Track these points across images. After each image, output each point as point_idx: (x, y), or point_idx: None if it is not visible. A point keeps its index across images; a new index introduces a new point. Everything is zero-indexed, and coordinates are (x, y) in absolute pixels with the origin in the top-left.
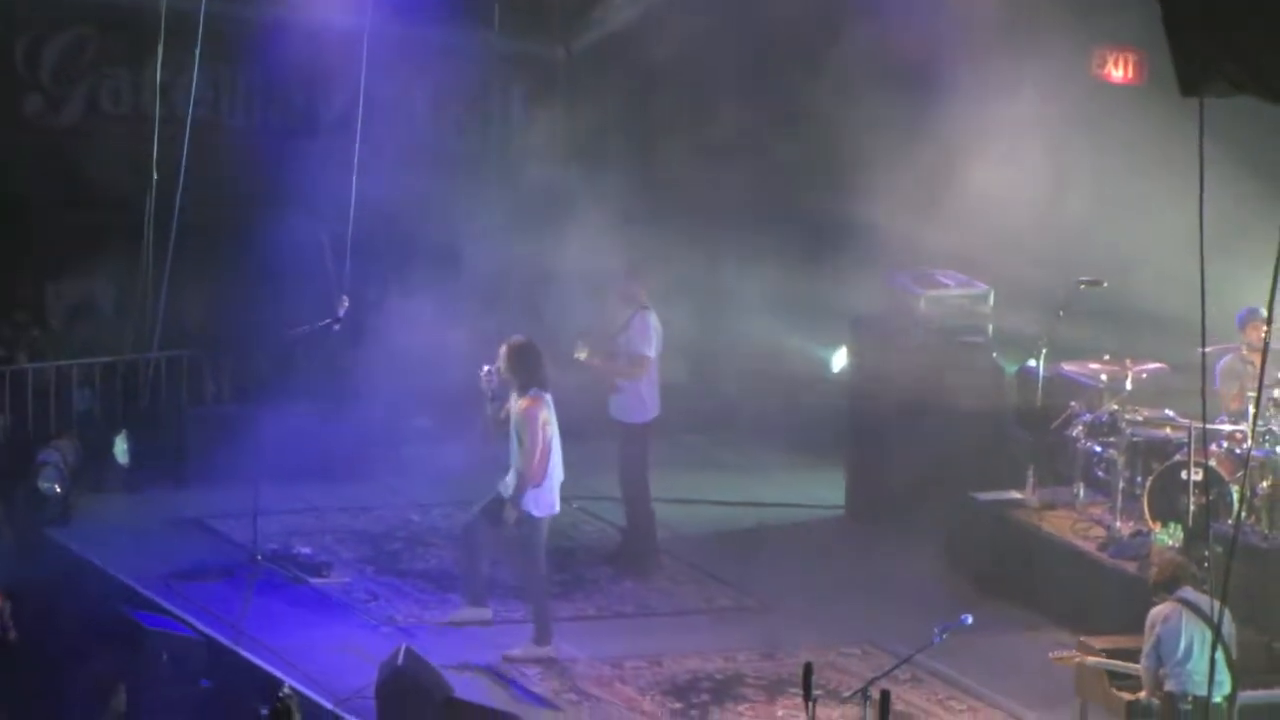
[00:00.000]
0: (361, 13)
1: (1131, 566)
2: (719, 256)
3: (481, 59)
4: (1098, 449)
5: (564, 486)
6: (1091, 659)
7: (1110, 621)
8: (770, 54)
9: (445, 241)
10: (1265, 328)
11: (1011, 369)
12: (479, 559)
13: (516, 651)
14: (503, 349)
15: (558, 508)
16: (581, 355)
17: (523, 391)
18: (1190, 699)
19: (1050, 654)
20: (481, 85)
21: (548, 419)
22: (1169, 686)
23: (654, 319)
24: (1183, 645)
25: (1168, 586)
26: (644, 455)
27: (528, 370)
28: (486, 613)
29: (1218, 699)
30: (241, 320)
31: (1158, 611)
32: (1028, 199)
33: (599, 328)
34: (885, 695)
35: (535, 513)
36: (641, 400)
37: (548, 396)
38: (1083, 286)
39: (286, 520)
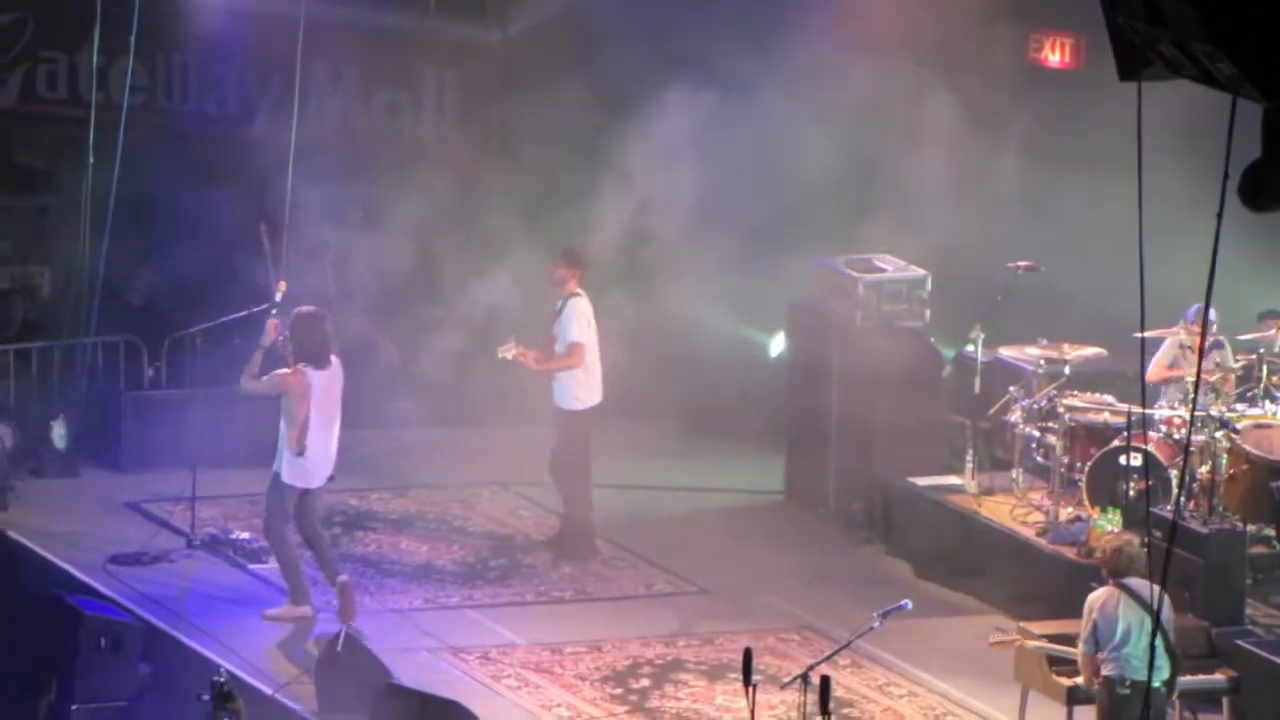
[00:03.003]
0: None
1: (1070, 552)
2: (655, 238)
3: (416, 42)
4: (1036, 434)
5: (504, 472)
6: (1031, 643)
7: (1049, 607)
8: (708, 37)
9: (383, 228)
10: (1205, 314)
11: (949, 354)
12: (313, 552)
13: (274, 611)
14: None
15: (316, 484)
16: (508, 355)
17: (293, 362)
18: (1128, 683)
19: (989, 639)
20: (416, 69)
21: (306, 393)
22: (1106, 671)
23: (585, 305)
24: (1120, 630)
25: (1115, 571)
26: (585, 442)
27: (299, 341)
28: (306, 610)
29: (1156, 684)
30: (178, 305)
31: (1095, 597)
32: (965, 184)
33: (531, 318)
34: (825, 680)
35: (285, 479)
36: (581, 388)
37: (313, 371)
38: (1020, 272)
39: (225, 505)
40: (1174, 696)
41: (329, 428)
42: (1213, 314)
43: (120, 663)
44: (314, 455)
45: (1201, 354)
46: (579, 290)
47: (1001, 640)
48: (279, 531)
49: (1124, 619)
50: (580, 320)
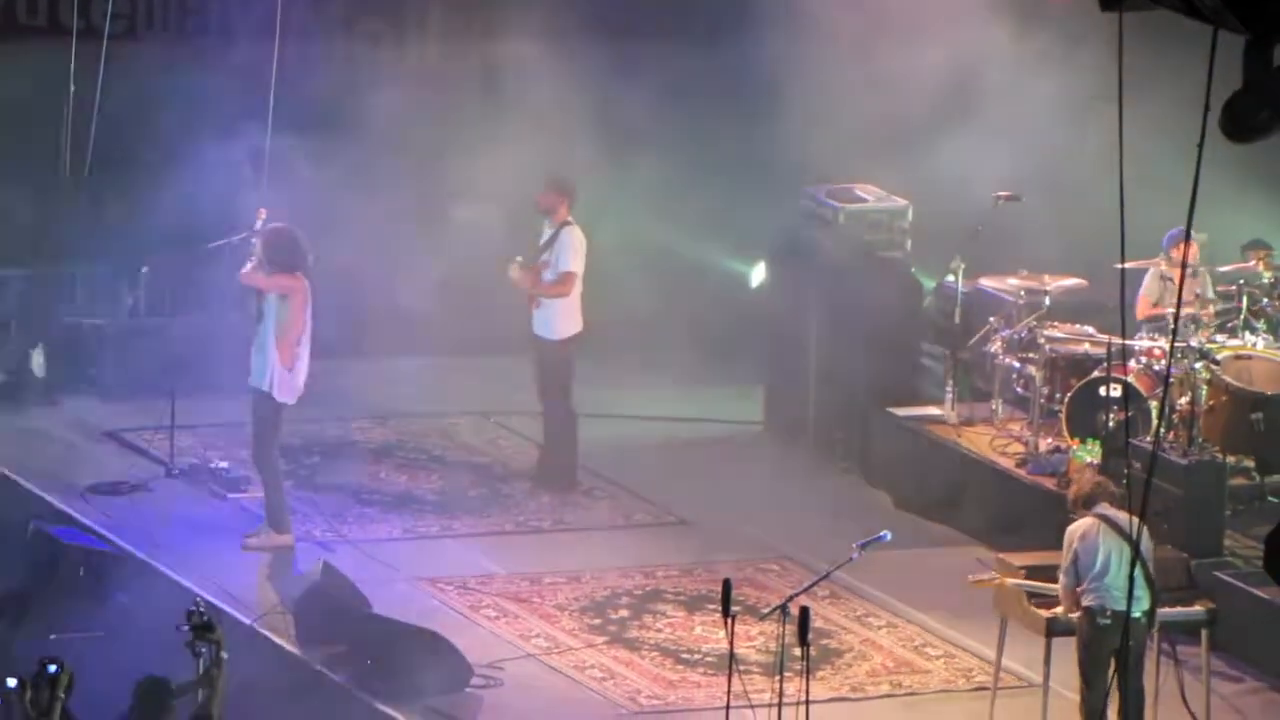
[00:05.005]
0: None
1: (1050, 482)
2: (637, 169)
3: None
4: (1016, 365)
5: (483, 400)
6: (1011, 580)
7: (1028, 537)
8: None
9: (365, 156)
10: (1188, 247)
11: (930, 284)
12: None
13: (254, 540)
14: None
15: (298, 396)
16: (515, 275)
17: (285, 273)
18: (1109, 613)
19: (969, 578)
20: None
21: (306, 301)
22: (1087, 601)
23: (580, 235)
24: (1100, 560)
25: (1086, 503)
26: (569, 371)
27: (286, 255)
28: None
29: (1136, 614)
30: (158, 233)
31: (1075, 528)
32: (947, 114)
33: (523, 245)
34: (804, 611)
35: (277, 396)
36: (565, 316)
37: (307, 284)
38: (1001, 202)
39: (203, 434)
40: (1154, 628)
41: (309, 340)
42: (1197, 237)
43: (99, 592)
44: (302, 368)
45: (1182, 285)
46: (570, 219)
47: (982, 579)
48: (270, 453)
49: (1104, 549)
50: (577, 250)
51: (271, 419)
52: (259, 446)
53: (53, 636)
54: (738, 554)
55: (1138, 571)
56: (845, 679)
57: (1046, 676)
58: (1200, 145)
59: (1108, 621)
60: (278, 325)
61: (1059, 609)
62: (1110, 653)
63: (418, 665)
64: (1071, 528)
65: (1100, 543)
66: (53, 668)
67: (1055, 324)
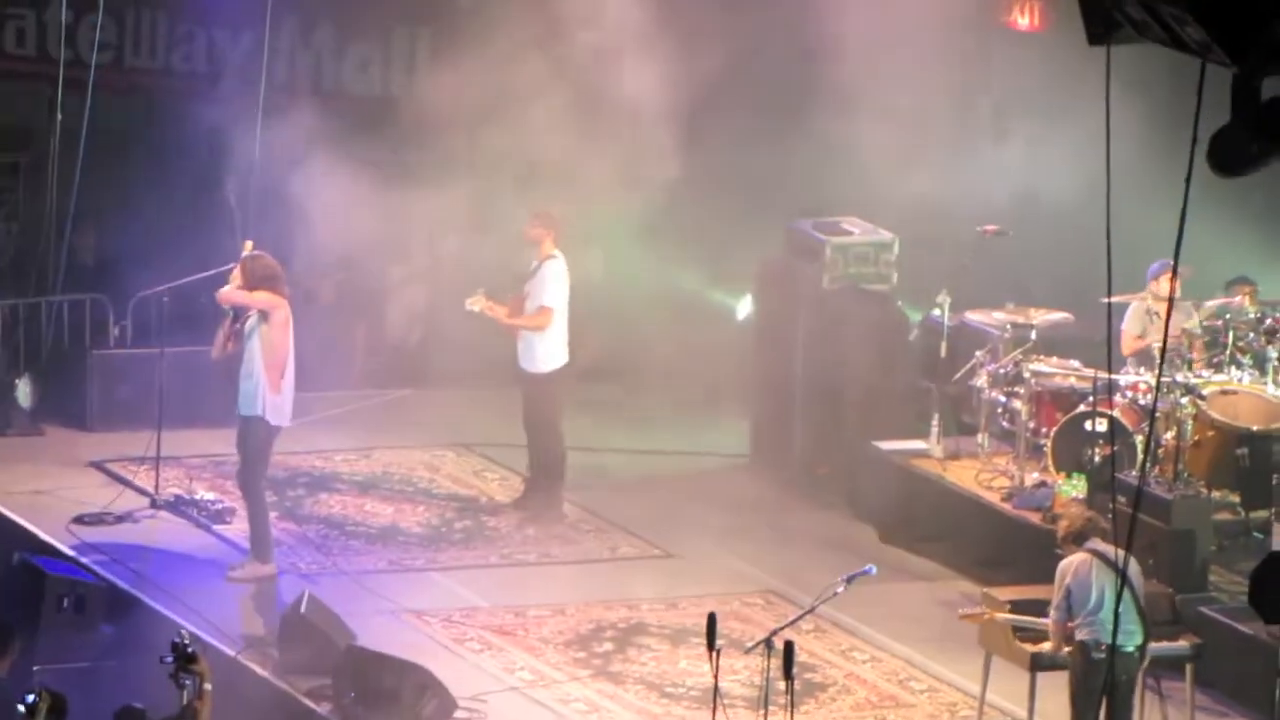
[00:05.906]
0: None
1: (1035, 517)
2: (623, 202)
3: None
4: (1002, 399)
5: (470, 433)
6: (1000, 616)
7: (1014, 572)
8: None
9: (353, 186)
10: (1173, 280)
11: (916, 318)
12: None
13: (237, 572)
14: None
15: (289, 422)
16: (475, 307)
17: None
18: (1103, 647)
19: (960, 612)
20: (387, 25)
21: (289, 320)
22: (1081, 636)
23: (561, 267)
24: (1094, 595)
25: (1076, 539)
26: (555, 404)
27: (269, 278)
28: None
29: (1130, 648)
30: (144, 264)
31: (1067, 563)
32: (932, 147)
33: (506, 275)
34: (789, 646)
35: (271, 420)
36: (548, 349)
37: (288, 306)
38: (987, 236)
39: (189, 465)
40: (1146, 662)
41: (293, 363)
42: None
43: (83, 624)
44: (288, 391)
45: (1169, 318)
46: (555, 252)
47: (971, 614)
48: (259, 481)
49: (1098, 584)
50: (557, 284)
51: (264, 444)
52: (248, 474)
53: (36, 668)
54: (722, 587)
55: (1132, 606)
56: (829, 713)
57: (1031, 711)
58: (1188, 179)
59: (1102, 656)
60: (264, 349)
61: (1046, 644)
62: (1102, 687)
63: (401, 698)
64: (1063, 564)
65: (1093, 578)
66: (30, 697)
67: (1041, 358)
